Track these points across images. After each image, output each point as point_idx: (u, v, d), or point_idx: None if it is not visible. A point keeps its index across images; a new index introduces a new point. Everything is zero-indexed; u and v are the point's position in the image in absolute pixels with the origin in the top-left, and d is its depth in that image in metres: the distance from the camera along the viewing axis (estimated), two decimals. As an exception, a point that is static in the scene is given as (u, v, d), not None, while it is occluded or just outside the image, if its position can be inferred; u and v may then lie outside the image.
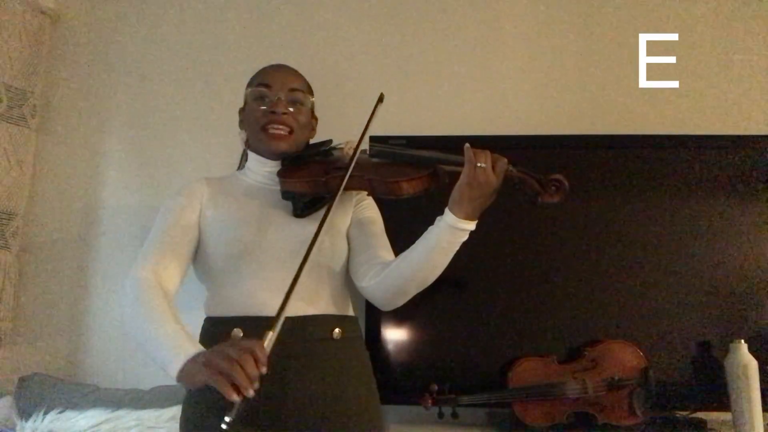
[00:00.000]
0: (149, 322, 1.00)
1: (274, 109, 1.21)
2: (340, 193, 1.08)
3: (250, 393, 0.83)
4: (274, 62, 1.31)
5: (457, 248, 1.06)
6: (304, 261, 0.99)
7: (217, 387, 0.84)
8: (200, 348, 0.93)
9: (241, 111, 1.33)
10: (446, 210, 1.05)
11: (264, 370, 0.86)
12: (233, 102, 1.86)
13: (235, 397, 0.82)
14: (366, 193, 1.28)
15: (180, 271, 1.14)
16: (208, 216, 1.20)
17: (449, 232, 1.04)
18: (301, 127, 1.25)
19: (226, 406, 0.83)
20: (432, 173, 1.10)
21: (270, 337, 0.90)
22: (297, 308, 1.11)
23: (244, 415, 0.84)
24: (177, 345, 0.94)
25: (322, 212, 1.10)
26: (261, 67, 1.30)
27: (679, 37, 1.89)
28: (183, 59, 1.97)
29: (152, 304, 1.02)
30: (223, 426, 0.82)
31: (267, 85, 1.23)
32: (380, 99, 1.22)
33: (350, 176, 1.12)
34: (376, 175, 1.12)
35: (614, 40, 1.91)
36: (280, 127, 1.21)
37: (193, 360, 0.91)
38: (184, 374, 0.91)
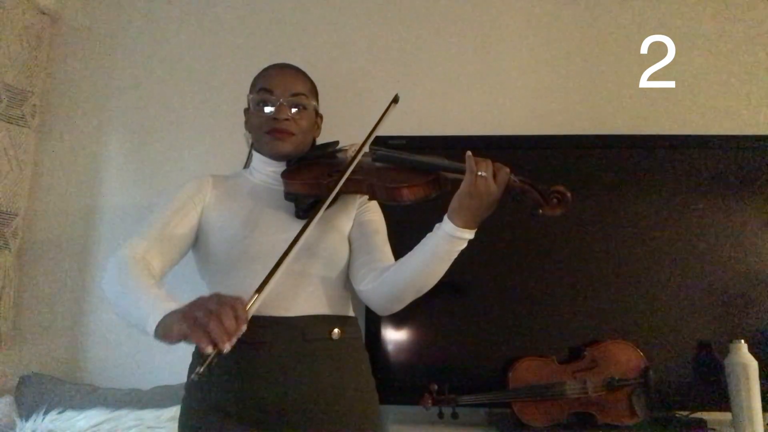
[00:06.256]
0: (131, 288, 0.98)
1: (276, 115, 1.21)
2: (333, 194, 1.07)
3: (226, 347, 0.80)
4: (275, 62, 1.31)
5: (455, 256, 1.05)
6: (289, 249, 0.98)
7: (192, 337, 0.81)
8: (180, 305, 0.90)
9: (247, 112, 1.33)
10: (445, 218, 1.03)
11: (244, 328, 0.83)
12: (234, 102, 1.88)
13: (209, 350, 0.79)
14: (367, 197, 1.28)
15: (166, 261, 1.13)
16: (212, 215, 1.20)
17: (447, 241, 1.02)
18: (304, 130, 1.25)
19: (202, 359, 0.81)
20: (434, 180, 1.09)
21: (255, 299, 0.88)
22: (296, 308, 1.12)
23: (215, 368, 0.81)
24: (157, 303, 0.92)
25: (324, 215, 1.09)
26: (262, 67, 1.30)
27: (679, 37, 1.89)
28: (183, 59, 1.97)
29: (135, 273, 1.01)
30: (194, 377, 0.80)
31: (269, 90, 1.23)
32: (395, 99, 1.20)
33: (352, 180, 1.11)
34: (377, 179, 1.11)
35: (614, 40, 1.92)
36: (282, 132, 1.21)
37: (172, 313, 0.88)
38: (161, 328, 0.87)
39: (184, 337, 0.83)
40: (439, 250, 1.04)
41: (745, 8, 1.91)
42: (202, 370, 0.80)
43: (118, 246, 1.09)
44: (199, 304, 0.85)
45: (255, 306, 0.88)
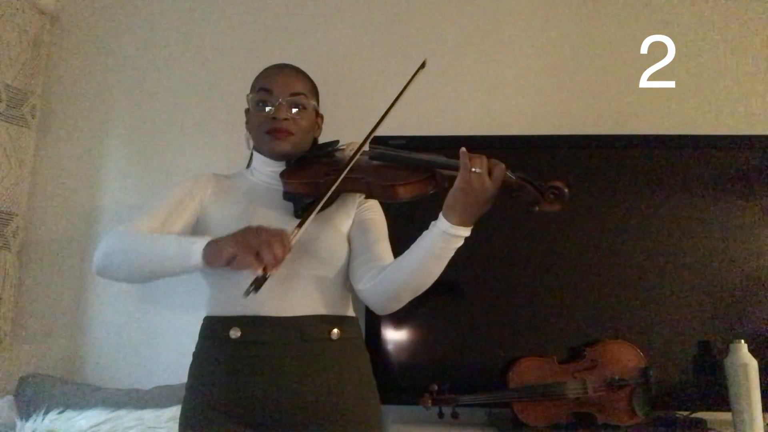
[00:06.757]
0: (151, 237, 1.07)
1: (275, 115, 1.21)
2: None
3: (273, 272, 0.92)
4: (275, 62, 1.31)
5: (452, 254, 1.04)
6: (320, 198, 1.06)
7: (244, 259, 0.93)
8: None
9: (247, 112, 1.33)
10: (440, 215, 1.02)
11: (288, 255, 0.95)
12: (233, 102, 1.87)
13: (260, 271, 0.91)
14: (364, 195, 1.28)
15: None
16: (209, 211, 1.21)
17: (442, 238, 1.01)
18: (304, 130, 1.25)
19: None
20: (429, 177, 1.08)
21: (296, 233, 0.99)
22: (294, 308, 1.12)
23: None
24: (195, 236, 1.04)
25: (322, 214, 1.09)
26: (262, 67, 1.30)
27: (679, 37, 1.89)
28: (183, 59, 1.97)
29: (147, 232, 1.10)
30: (244, 295, 0.91)
31: (268, 90, 1.22)
32: (422, 65, 1.19)
33: (349, 178, 1.11)
34: (374, 177, 1.11)
35: (614, 40, 1.92)
36: (282, 131, 1.21)
37: (219, 239, 0.98)
38: (209, 250, 0.98)
39: (233, 258, 0.95)
40: (435, 248, 1.03)
41: (745, 8, 1.91)
42: (252, 288, 0.91)
43: (115, 226, 1.12)
44: (247, 232, 0.97)
45: (296, 239, 0.99)
